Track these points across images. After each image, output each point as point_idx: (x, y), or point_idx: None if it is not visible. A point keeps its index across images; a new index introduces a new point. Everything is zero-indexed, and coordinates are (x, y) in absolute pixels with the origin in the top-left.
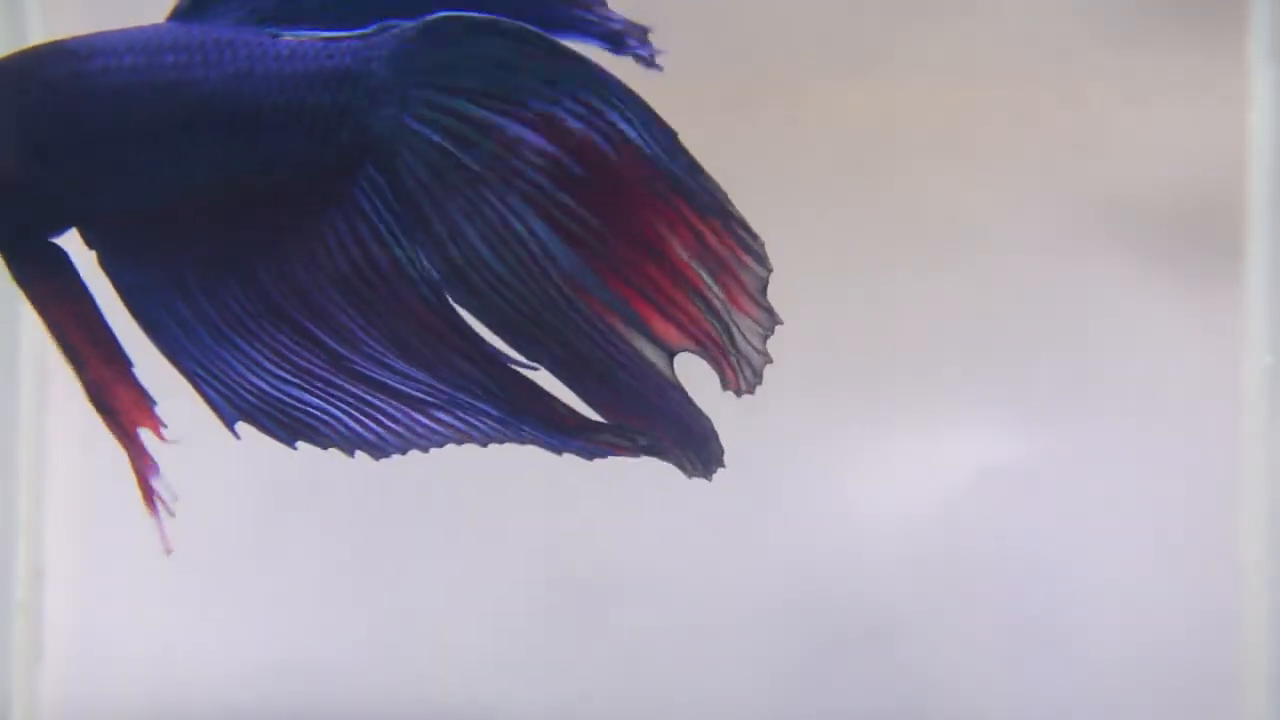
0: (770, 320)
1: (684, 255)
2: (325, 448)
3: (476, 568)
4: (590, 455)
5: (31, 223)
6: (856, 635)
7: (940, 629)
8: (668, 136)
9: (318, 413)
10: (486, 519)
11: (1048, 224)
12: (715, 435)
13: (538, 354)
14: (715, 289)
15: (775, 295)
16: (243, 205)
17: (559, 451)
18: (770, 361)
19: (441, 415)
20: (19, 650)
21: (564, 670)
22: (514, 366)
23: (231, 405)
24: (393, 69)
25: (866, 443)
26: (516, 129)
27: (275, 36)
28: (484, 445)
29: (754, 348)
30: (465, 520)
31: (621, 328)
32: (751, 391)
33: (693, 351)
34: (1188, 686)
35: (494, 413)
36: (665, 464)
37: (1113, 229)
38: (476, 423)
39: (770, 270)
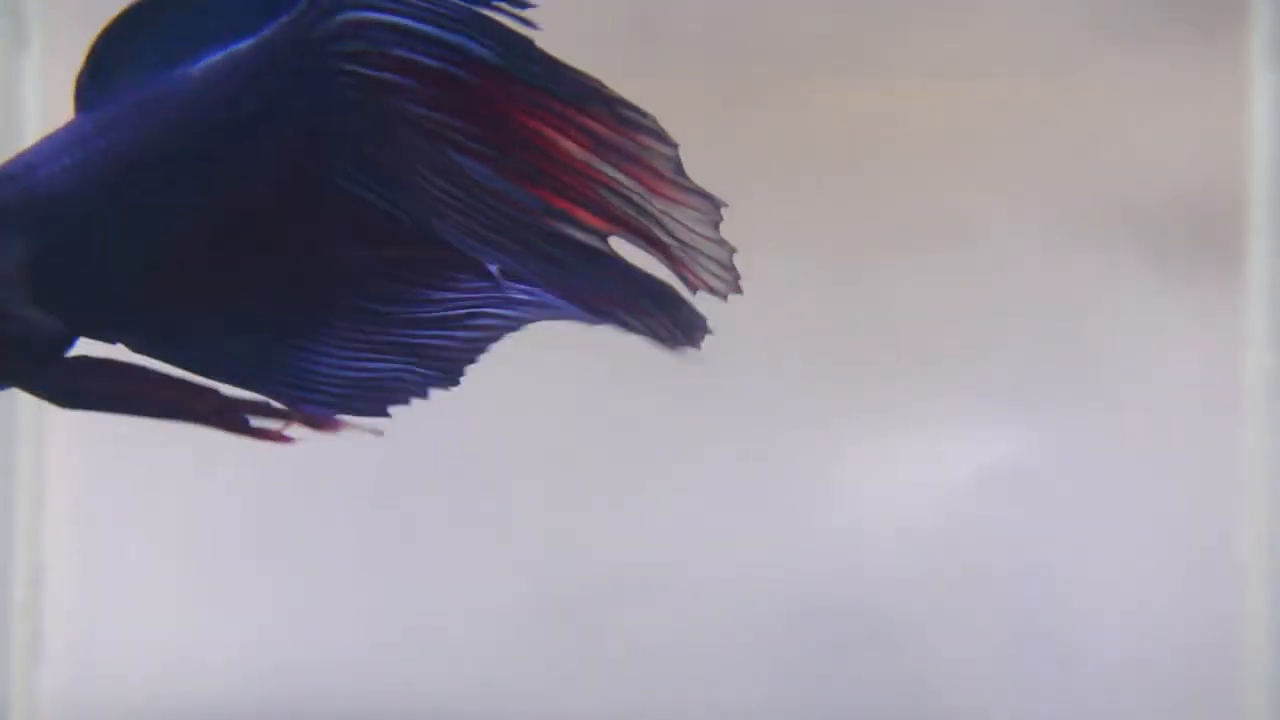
0: (707, 202)
1: (580, 155)
2: (408, 402)
3: (477, 568)
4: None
5: (45, 350)
6: (857, 637)
7: (941, 630)
8: (520, 44)
9: (388, 373)
10: (487, 520)
11: (1048, 224)
12: (686, 302)
13: (497, 258)
14: (626, 181)
15: (776, 294)
16: (239, 230)
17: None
18: (734, 250)
19: (474, 321)
20: (19, 650)
21: (564, 671)
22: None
23: (323, 403)
24: (298, 50)
25: (867, 443)
26: (391, 77)
27: (188, 70)
28: (519, 328)
29: (703, 236)
30: (466, 521)
31: (552, 223)
32: (726, 292)
33: (629, 239)
34: (1188, 687)
35: (522, 301)
36: (664, 465)
37: (1113, 229)
38: (510, 313)
39: (675, 145)
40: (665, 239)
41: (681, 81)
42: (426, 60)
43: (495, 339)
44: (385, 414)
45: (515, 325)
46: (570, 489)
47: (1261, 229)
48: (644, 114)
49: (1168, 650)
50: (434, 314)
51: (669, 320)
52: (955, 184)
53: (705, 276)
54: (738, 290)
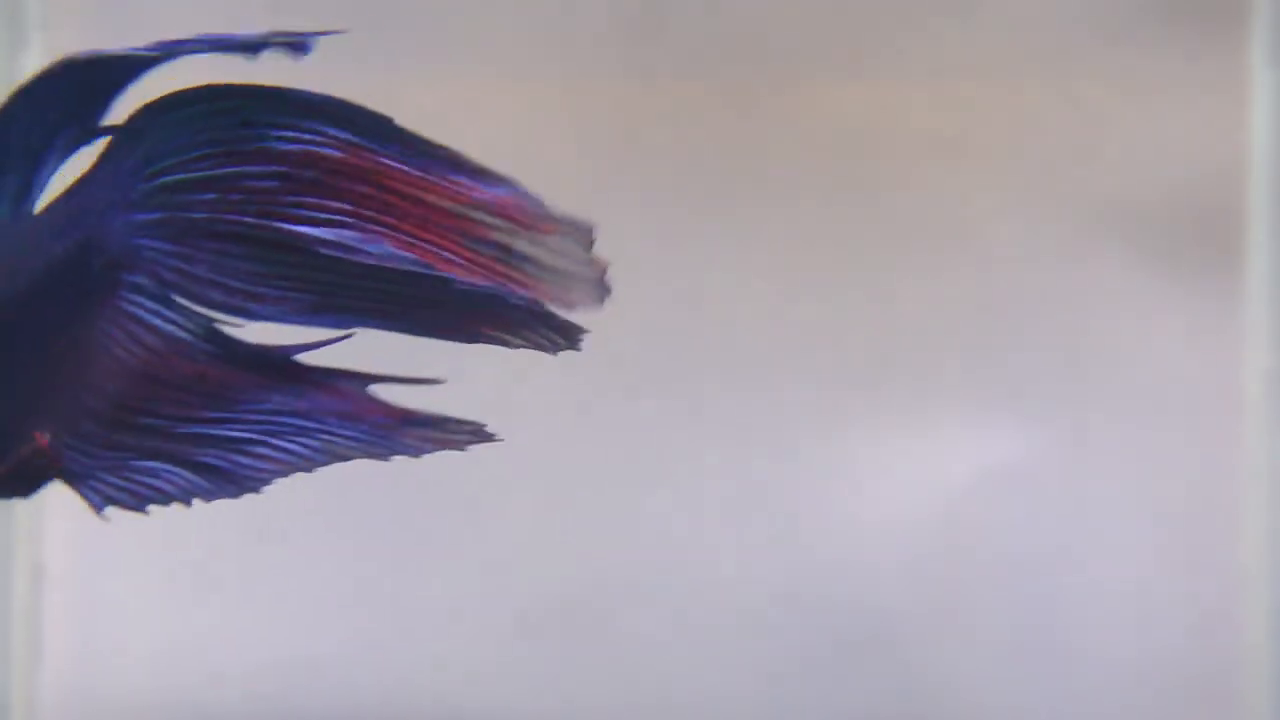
0: (578, 227)
1: (453, 209)
2: (169, 504)
3: (475, 569)
4: (418, 450)
5: None
6: (856, 639)
7: (941, 631)
8: (380, 124)
9: (165, 482)
10: (486, 520)
11: (1047, 224)
12: (555, 313)
13: (353, 323)
14: (498, 223)
15: (776, 294)
16: (43, 357)
17: (385, 455)
18: (606, 265)
19: (261, 450)
20: (19, 650)
21: (563, 672)
22: (316, 363)
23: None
24: (106, 183)
25: (866, 444)
26: (232, 168)
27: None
28: (310, 470)
29: (575, 260)
30: (464, 521)
31: (427, 279)
32: (597, 305)
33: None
34: (1188, 687)
35: (310, 436)
36: (664, 464)
37: (1112, 230)
38: (294, 447)
39: (540, 197)
40: (536, 275)
41: (681, 81)
42: (283, 145)
43: (268, 479)
44: (143, 510)
45: (299, 466)
46: (570, 488)
47: (1262, 229)
48: (501, 179)
49: (1168, 650)
50: (212, 431)
51: (546, 330)
52: (955, 184)
53: (576, 298)
54: (607, 297)
